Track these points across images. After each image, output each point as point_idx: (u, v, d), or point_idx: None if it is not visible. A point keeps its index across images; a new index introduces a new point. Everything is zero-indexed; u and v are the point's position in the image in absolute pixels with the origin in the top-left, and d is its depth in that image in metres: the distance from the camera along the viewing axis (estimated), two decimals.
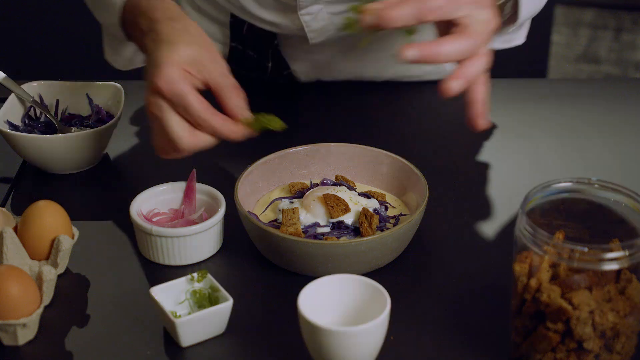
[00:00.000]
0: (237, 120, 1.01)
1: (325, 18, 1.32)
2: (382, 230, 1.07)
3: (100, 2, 1.17)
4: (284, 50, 1.43)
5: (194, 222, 1.07)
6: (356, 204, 1.10)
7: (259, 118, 1.03)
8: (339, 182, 1.16)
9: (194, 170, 1.12)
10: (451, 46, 0.96)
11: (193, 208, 1.11)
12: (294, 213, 1.07)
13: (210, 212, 1.09)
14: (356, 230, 1.08)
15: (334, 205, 1.08)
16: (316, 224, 1.08)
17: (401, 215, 1.12)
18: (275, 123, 1.03)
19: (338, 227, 1.08)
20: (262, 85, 1.47)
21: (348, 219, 1.08)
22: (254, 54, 1.43)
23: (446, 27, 0.99)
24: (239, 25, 1.40)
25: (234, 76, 1.08)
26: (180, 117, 1.00)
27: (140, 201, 1.09)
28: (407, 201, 1.14)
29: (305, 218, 1.08)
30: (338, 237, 1.06)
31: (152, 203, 1.11)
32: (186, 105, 0.99)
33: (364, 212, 1.07)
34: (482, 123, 1.02)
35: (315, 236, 1.06)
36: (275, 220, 1.11)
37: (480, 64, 0.98)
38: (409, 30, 0.99)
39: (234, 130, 1.01)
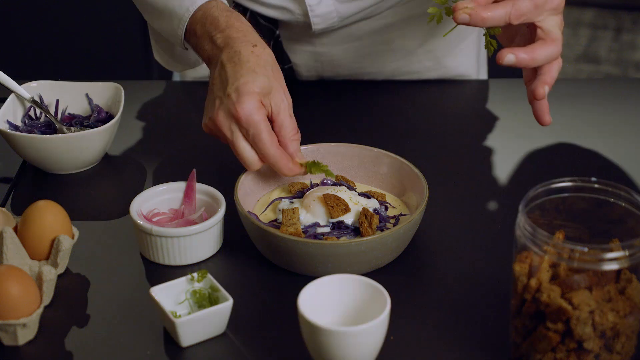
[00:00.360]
0: (294, 159, 1.10)
1: (329, 4, 1.33)
2: (382, 230, 1.07)
3: (162, 11, 1.20)
4: (285, 43, 1.43)
5: (194, 222, 1.07)
6: (356, 204, 1.10)
7: (315, 164, 1.10)
8: (339, 182, 1.16)
9: (194, 170, 1.12)
10: (543, 52, 1.03)
11: (193, 208, 1.11)
12: (294, 213, 1.07)
13: (210, 212, 1.09)
14: (356, 230, 1.08)
15: (334, 205, 1.08)
16: (316, 224, 1.08)
17: (401, 215, 1.12)
18: (329, 173, 1.11)
19: (338, 227, 1.08)
20: None
21: (348, 219, 1.08)
22: None
23: (508, 27, 1.05)
24: None
25: None
26: (248, 144, 1.08)
27: (140, 201, 1.09)
28: (407, 201, 1.14)
29: (305, 218, 1.09)
30: (338, 237, 1.06)
31: (152, 203, 1.11)
32: (258, 137, 1.07)
33: (364, 212, 1.07)
34: (549, 118, 1.09)
35: (315, 236, 1.06)
36: (275, 220, 1.11)
37: (558, 67, 1.06)
38: (493, 30, 1.04)
39: (293, 169, 1.09)
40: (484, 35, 1.07)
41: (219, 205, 1.08)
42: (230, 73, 1.08)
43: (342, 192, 1.10)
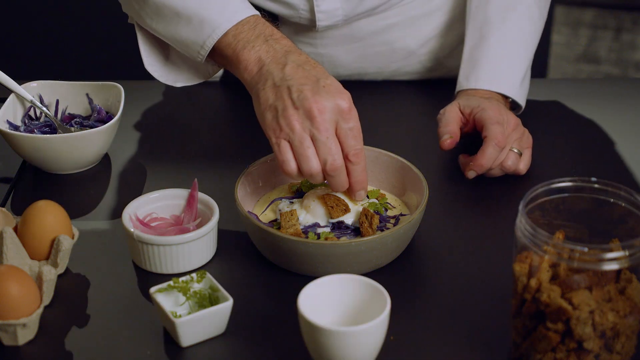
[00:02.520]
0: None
1: (336, 0, 1.33)
2: (382, 230, 1.07)
3: (190, 18, 1.15)
4: None
5: (185, 231, 1.06)
6: (356, 204, 1.10)
7: None
8: None
9: (196, 180, 1.11)
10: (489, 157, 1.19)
11: (193, 217, 1.10)
12: (292, 215, 1.07)
13: (205, 222, 1.08)
14: (356, 230, 1.08)
15: (334, 205, 1.08)
16: (316, 225, 1.08)
17: (401, 215, 1.12)
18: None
19: (338, 227, 1.08)
20: None
21: (348, 219, 1.08)
22: None
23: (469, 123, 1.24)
24: None
25: None
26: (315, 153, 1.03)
27: (135, 206, 1.08)
28: (407, 201, 1.14)
29: (305, 218, 1.08)
30: (338, 237, 1.06)
31: (148, 208, 1.10)
32: (357, 131, 1.05)
33: (365, 212, 1.07)
34: (471, 174, 1.20)
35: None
36: (275, 220, 1.11)
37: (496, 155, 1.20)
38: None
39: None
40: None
41: (213, 215, 1.07)
42: (317, 72, 1.05)
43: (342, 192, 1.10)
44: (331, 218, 1.08)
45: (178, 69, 1.28)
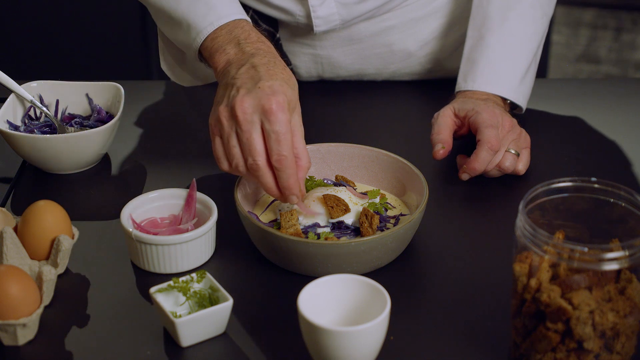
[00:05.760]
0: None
1: (332, 6, 1.34)
2: (382, 230, 1.07)
3: (180, 22, 1.18)
4: (285, 45, 1.43)
5: (183, 231, 1.06)
6: (356, 204, 1.10)
7: None
8: (339, 182, 1.16)
9: (194, 180, 1.11)
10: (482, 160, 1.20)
11: (191, 217, 1.10)
12: (292, 215, 1.07)
13: (203, 221, 1.08)
14: (356, 230, 1.08)
15: (334, 205, 1.08)
16: (316, 225, 1.08)
17: (401, 215, 1.12)
18: None
19: (338, 227, 1.08)
20: None
21: (348, 219, 1.08)
22: None
23: (462, 124, 1.25)
24: None
25: None
26: (262, 140, 1.03)
27: (132, 207, 1.08)
28: (407, 201, 1.14)
29: (305, 219, 1.08)
30: (338, 237, 1.06)
31: (147, 208, 1.10)
32: (282, 136, 1.02)
33: (365, 212, 1.07)
34: (465, 176, 1.21)
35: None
36: (275, 220, 1.11)
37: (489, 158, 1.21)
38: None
39: (294, 188, 1.04)
40: None
41: (211, 214, 1.07)
42: (264, 73, 1.05)
43: (342, 192, 1.10)
44: (331, 218, 1.08)
45: (191, 70, 1.33)
